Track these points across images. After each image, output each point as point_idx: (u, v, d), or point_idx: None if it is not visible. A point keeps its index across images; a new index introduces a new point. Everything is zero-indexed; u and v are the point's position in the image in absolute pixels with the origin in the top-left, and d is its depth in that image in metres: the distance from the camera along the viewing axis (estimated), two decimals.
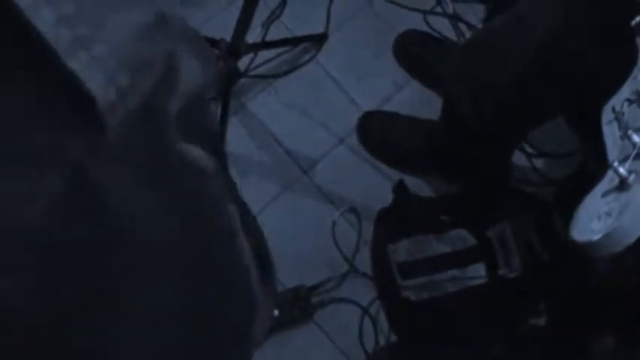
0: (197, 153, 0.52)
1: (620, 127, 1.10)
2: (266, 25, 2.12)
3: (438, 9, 2.30)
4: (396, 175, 2.09)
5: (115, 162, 0.42)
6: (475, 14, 2.32)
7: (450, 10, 2.30)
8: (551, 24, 1.56)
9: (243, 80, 2.05)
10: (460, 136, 1.93)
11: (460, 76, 1.83)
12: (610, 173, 1.02)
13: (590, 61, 1.55)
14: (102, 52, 0.38)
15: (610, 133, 1.12)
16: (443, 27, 2.30)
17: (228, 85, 1.93)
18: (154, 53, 0.44)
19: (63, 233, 0.40)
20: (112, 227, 0.42)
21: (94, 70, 0.37)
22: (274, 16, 2.14)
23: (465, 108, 1.81)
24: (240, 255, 0.60)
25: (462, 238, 1.98)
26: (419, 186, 2.11)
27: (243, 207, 0.64)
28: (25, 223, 0.38)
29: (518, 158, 2.16)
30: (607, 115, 1.18)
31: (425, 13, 2.28)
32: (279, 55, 2.12)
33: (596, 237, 0.94)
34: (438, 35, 2.27)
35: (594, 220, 0.97)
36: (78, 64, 0.36)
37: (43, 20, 0.35)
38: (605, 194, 1.01)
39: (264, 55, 2.08)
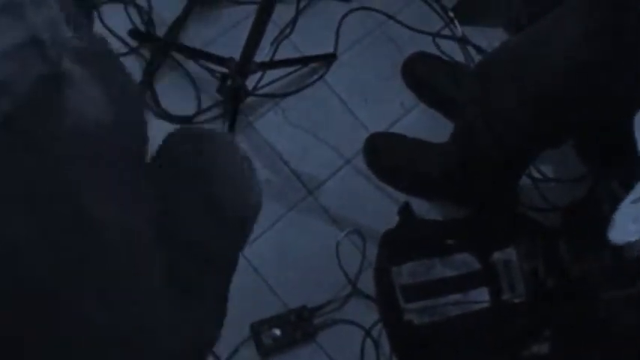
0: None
1: None
2: (275, 44, 2.14)
3: (447, 31, 2.33)
4: (401, 197, 2.11)
5: None
6: (485, 38, 2.35)
7: (459, 34, 2.33)
8: (569, 47, 1.58)
9: (250, 99, 2.07)
10: (470, 158, 1.94)
11: (474, 98, 1.84)
12: None
13: (607, 84, 1.57)
14: None
15: None
16: (452, 50, 2.32)
17: (235, 103, 1.95)
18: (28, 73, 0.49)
19: None
20: None
21: None
22: (283, 35, 2.17)
23: (477, 130, 1.83)
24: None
25: (467, 262, 2.00)
26: (424, 209, 2.13)
27: None
28: None
29: (525, 184, 2.17)
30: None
31: (434, 35, 2.30)
32: (287, 74, 2.14)
33: (634, 238, 1.00)
34: (447, 58, 2.29)
35: (630, 224, 1.01)
36: None
37: None
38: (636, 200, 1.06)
39: (273, 73, 2.10)
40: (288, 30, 2.19)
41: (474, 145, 1.90)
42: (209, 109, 2.06)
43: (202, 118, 2.05)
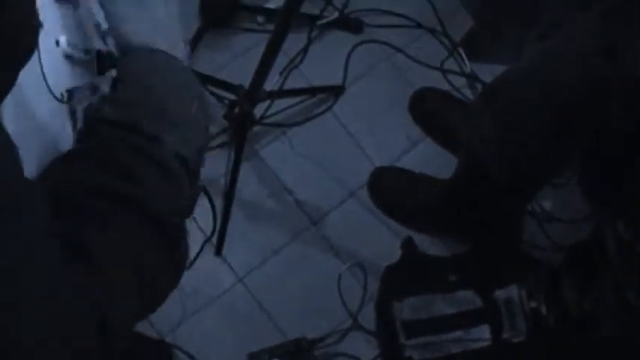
0: None
1: None
2: (284, 74, 2.17)
3: (455, 66, 2.35)
4: (404, 231, 2.13)
5: None
6: (492, 74, 2.37)
7: (468, 69, 2.36)
8: (582, 64, 1.58)
9: (257, 127, 2.09)
10: (475, 192, 1.96)
11: (480, 123, 1.86)
12: None
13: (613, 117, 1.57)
14: None
15: None
16: (460, 84, 2.35)
17: (243, 131, 1.97)
18: None
19: None
20: None
21: None
22: (293, 64, 2.19)
23: (483, 158, 1.84)
24: None
25: (469, 299, 2.01)
26: (427, 244, 2.15)
27: None
28: None
29: (529, 223, 2.19)
30: None
31: (443, 71, 2.33)
32: (295, 104, 2.17)
33: None
34: (455, 92, 2.31)
35: None
36: None
37: None
38: None
39: (281, 103, 2.13)
40: (298, 60, 2.21)
41: (480, 176, 1.92)
42: (216, 135, 2.08)
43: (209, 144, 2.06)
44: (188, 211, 0.88)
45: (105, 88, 1.12)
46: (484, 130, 1.86)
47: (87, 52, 1.04)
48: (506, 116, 1.78)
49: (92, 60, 1.06)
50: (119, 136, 0.82)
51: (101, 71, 1.10)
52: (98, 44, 1.12)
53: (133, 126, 0.83)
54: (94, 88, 1.03)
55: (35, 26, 0.75)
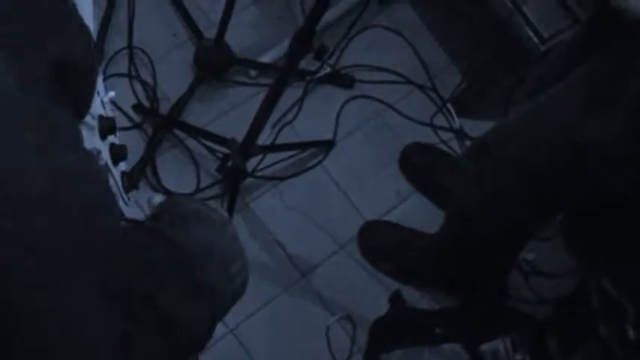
0: None
1: None
2: (277, 128, 2.22)
3: (444, 122, 2.41)
4: (393, 284, 2.18)
5: None
6: (480, 130, 2.43)
7: (457, 125, 2.41)
8: (567, 121, 1.62)
9: (249, 180, 2.14)
10: (462, 245, 2.00)
11: (469, 177, 1.90)
12: None
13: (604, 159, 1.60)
14: None
15: None
16: (448, 139, 2.40)
17: (235, 184, 2.02)
18: None
19: None
20: None
21: None
22: (286, 120, 2.24)
23: (471, 210, 1.88)
24: None
25: (456, 352, 2.05)
26: (415, 297, 2.18)
27: None
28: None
29: (515, 277, 2.23)
30: None
31: (432, 126, 2.38)
32: (286, 157, 2.22)
33: None
34: (444, 147, 2.36)
35: None
36: None
37: None
38: None
39: (272, 156, 2.17)
40: (290, 115, 2.27)
41: (467, 232, 1.96)
42: (208, 187, 2.13)
43: (201, 196, 2.11)
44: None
45: (105, 154, 1.16)
46: (471, 187, 1.91)
47: (93, 117, 1.09)
48: (493, 174, 1.83)
49: (95, 125, 1.11)
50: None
51: (103, 137, 1.15)
52: (99, 110, 1.17)
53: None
54: (97, 152, 1.08)
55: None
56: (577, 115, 1.61)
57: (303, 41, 1.49)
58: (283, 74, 1.63)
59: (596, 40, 1.70)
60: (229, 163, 2.01)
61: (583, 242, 2.19)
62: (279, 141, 2.24)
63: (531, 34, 2.13)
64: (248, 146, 1.94)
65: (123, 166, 1.28)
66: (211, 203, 0.96)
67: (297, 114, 2.28)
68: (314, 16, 1.42)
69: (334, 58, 2.37)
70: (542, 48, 2.11)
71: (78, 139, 0.67)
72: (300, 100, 2.30)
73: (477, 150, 1.99)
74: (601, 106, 1.57)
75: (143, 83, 2.22)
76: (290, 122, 2.26)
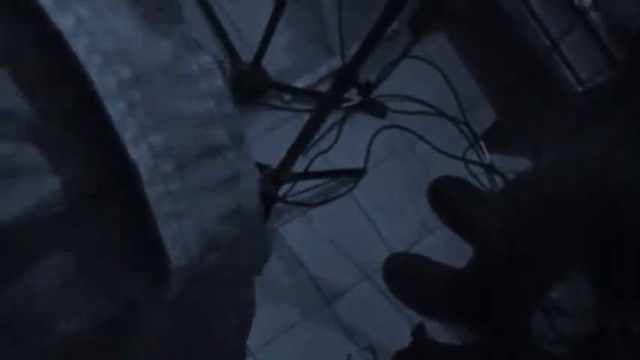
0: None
1: None
2: (310, 157, 2.23)
3: (474, 156, 2.42)
4: (417, 317, 2.18)
5: (157, 309, 0.51)
6: (511, 166, 2.44)
7: (487, 160, 2.42)
8: (603, 158, 1.62)
9: (278, 204, 2.15)
10: (489, 282, 2.00)
11: (501, 216, 1.91)
12: None
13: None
14: (189, 227, 0.47)
15: None
16: (478, 173, 2.41)
17: (267, 210, 2.03)
18: (227, 239, 0.53)
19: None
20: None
21: (177, 241, 0.46)
22: (320, 149, 2.25)
23: (500, 248, 1.89)
24: None
25: None
26: (438, 331, 2.19)
27: None
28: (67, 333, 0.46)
29: (536, 315, 2.23)
30: None
31: (463, 160, 2.39)
32: (317, 185, 2.24)
33: None
34: (473, 181, 2.38)
35: None
36: (167, 232, 0.46)
37: (155, 192, 0.44)
38: None
39: (303, 182, 2.18)
40: (324, 144, 2.29)
41: (494, 265, 1.97)
42: None
43: None
44: None
45: None
46: (501, 223, 1.91)
47: None
48: (524, 213, 1.83)
49: None
50: None
51: None
52: None
53: None
54: None
55: None
56: (614, 160, 1.61)
57: (349, 78, 1.50)
58: (324, 106, 1.64)
59: (634, 84, 1.71)
60: (262, 188, 2.02)
61: (609, 283, 2.20)
62: (311, 168, 2.25)
63: (568, 73, 2.14)
64: (282, 173, 1.94)
65: None
66: None
67: (332, 145, 2.29)
68: (362, 53, 1.42)
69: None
70: (580, 89, 2.12)
71: None
72: (338, 132, 2.32)
73: (509, 191, 2.00)
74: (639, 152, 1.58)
75: None
76: (325, 152, 2.27)
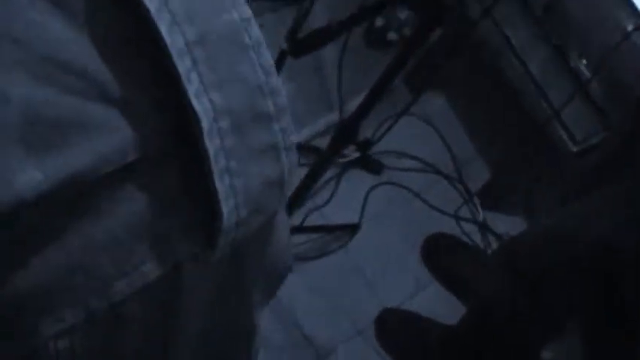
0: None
1: None
2: (305, 212, 2.23)
3: (468, 214, 2.43)
4: None
5: (202, 276, 0.52)
6: (504, 224, 2.45)
7: (480, 218, 2.44)
8: (602, 234, 1.62)
9: None
10: (481, 344, 2.00)
11: (496, 277, 1.91)
12: None
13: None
14: (239, 186, 0.47)
15: None
16: (471, 231, 2.42)
17: None
18: (270, 209, 0.54)
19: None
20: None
21: (230, 197, 0.46)
22: (315, 205, 2.26)
23: (495, 306, 1.88)
24: None
25: None
26: None
27: None
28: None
29: None
30: None
31: (458, 218, 2.41)
32: (310, 239, 2.24)
33: None
34: (466, 239, 2.38)
35: None
36: (222, 186, 0.46)
37: (213, 145, 0.45)
38: None
39: (297, 237, 2.18)
40: (320, 200, 2.29)
41: (487, 324, 1.96)
42: None
43: None
44: None
45: None
46: (494, 284, 1.91)
47: None
48: (521, 276, 1.83)
49: None
50: None
51: None
52: None
53: None
54: None
55: None
56: (613, 232, 1.62)
57: (349, 133, 1.51)
58: (321, 163, 1.65)
59: (632, 151, 1.72)
60: None
61: (604, 343, 2.20)
62: (305, 223, 2.26)
63: (563, 133, 2.16)
64: None
65: None
66: None
67: (328, 200, 2.30)
68: (364, 108, 1.44)
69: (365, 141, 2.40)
70: (575, 149, 2.14)
71: None
72: (335, 187, 2.33)
73: (507, 252, 2.00)
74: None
75: None
76: (321, 207, 2.28)
